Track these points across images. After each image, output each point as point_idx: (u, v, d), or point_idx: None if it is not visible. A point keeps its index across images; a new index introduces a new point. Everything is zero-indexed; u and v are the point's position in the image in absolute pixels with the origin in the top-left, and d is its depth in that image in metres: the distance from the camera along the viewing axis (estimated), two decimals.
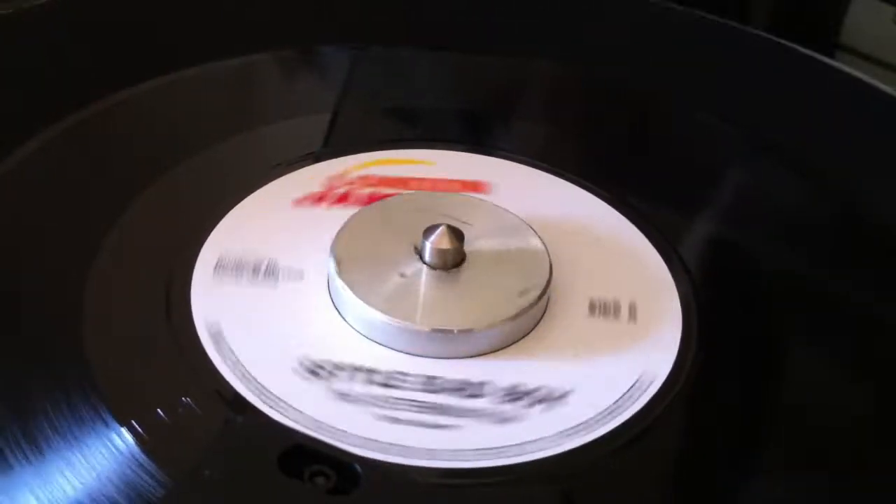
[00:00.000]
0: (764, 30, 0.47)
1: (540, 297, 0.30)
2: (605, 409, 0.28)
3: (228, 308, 0.30)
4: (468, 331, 0.29)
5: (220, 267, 0.31)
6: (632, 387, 0.29)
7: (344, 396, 0.28)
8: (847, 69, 0.43)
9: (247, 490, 0.23)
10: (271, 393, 0.27)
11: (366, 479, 0.24)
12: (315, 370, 0.28)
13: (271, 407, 0.27)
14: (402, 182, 0.35)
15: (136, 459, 0.25)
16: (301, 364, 0.29)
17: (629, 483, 0.27)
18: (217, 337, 0.29)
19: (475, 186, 0.35)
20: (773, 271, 0.34)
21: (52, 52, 0.40)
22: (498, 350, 0.30)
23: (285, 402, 0.27)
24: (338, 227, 0.32)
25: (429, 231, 0.30)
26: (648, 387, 0.29)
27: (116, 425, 0.26)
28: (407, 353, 0.29)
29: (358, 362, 0.29)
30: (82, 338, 0.28)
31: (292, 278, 0.31)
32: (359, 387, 0.28)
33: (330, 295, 0.31)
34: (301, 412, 0.27)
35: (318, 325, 0.30)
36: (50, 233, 0.32)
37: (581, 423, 0.28)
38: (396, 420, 0.27)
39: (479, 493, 0.26)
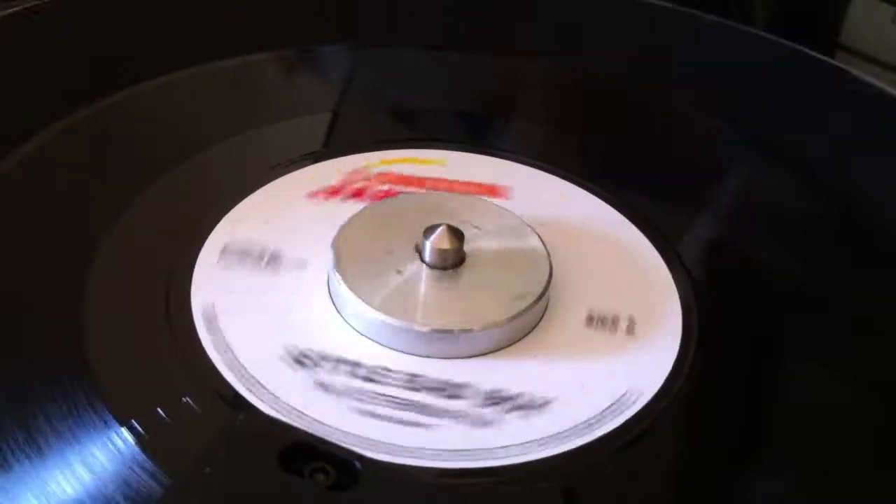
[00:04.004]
0: (764, 30, 0.47)
1: (539, 298, 0.30)
2: (584, 422, 0.28)
3: (226, 291, 0.30)
4: (468, 331, 0.29)
5: (225, 252, 0.32)
6: (617, 400, 0.28)
7: (325, 387, 0.28)
8: (848, 68, 0.43)
9: (247, 488, 0.23)
10: (255, 379, 0.28)
11: (365, 477, 0.24)
12: (301, 359, 0.29)
13: (252, 392, 0.27)
14: (419, 181, 0.35)
15: (136, 459, 0.25)
16: (288, 352, 0.29)
17: (629, 483, 0.27)
18: (210, 319, 0.29)
19: (490, 190, 0.35)
20: (772, 271, 0.34)
21: (52, 51, 0.40)
22: (497, 350, 0.30)
23: (267, 390, 0.27)
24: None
25: (429, 231, 0.30)
26: (635, 401, 0.28)
27: (116, 425, 0.26)
28: (398, 351, 0.29)
29: (344, 355, 0.29)
30: (82, 338, 0.28)
31: (295, 268, 0.32)
32: (341, 379, 0.28)
33: (329, 292, 0.31)
34: (280, 399, 0.27)
35: (312, 315, 0.30)
36: (50, 233, 0.32)
37: (554, 434, 0.27)
38: (373, 415, 0.27)
39: (478, 492, 0.26)
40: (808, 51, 0.44)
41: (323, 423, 0.27)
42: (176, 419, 0.26)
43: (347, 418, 0.27)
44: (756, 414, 0.29)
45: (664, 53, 0.44)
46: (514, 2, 0.47)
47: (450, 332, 0.29)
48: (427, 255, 0.30)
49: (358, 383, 0.28)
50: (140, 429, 0.26)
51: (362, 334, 0.30)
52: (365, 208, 0.33)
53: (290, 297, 0.31)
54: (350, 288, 0.30)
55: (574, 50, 0.44)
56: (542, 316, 0.31)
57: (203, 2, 0.44)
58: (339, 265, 0.30)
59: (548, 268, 0.31)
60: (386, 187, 0.35)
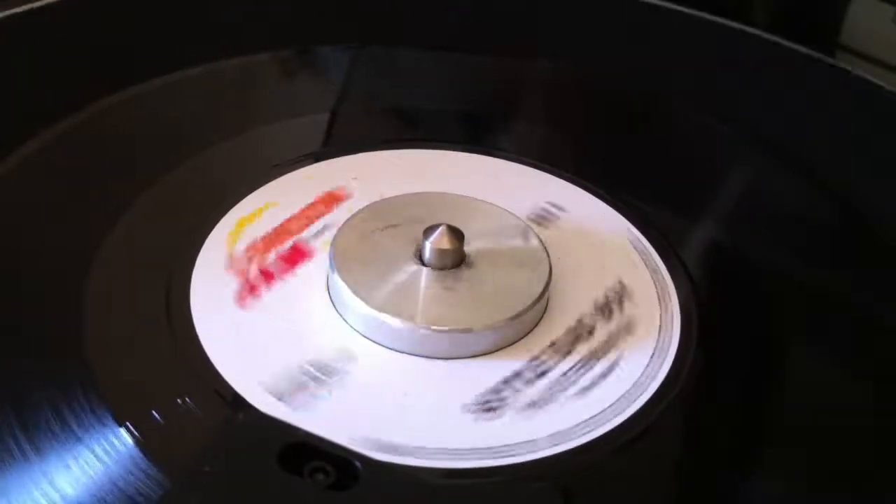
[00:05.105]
0: (764, 30, 0.47)
1: (540, 296, 0.30)
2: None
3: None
4: (468, 331, 0.29)
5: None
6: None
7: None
8: (848, 68, 0.43)
9: (247, 488, 0.23)
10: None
11: (365, 476, 0.24)
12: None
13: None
14: (283, 232, 0.33)
15: (136, 459, 0.25)
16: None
17: (629, 483, 0.27)
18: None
19: (334, 198, 0.34)
20: (772, 271, 0.34)
21: (52, 52, 0.40)
22: (497, 350, 0.30)
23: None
24: (295, 301, 0.31)
25: (429, 231, 0.30)
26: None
27: (116, 425, 0.26)
28: (398, 352, 0.29)
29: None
30: (82, 338, 0.28)
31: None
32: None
33: (328, 292, 0.31)
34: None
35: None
36: (50, 233, 0.32)
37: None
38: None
39: (479, 491, 0.26)
40: (808, 51, 0.44)
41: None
42: (175, 419, 0.26)
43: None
44: (756, 414, 0.29)
45: (664, 53, 0.44)
46: (514, 2, 0.47)
47: (450, 332, 0.29)
48: (427, 256, 0.30)
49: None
50: (140, 429, 0.26)
51: (362, 334, 0.30)
52: (364, 208, 0.33)
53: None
54: (349, 288, 0.30)
55: (574, 50, 0.44)
56: (542, 316, 0.31)
57: (203, 2, 0.44)
58: (338, 265, 0.30)
59: (548, 268, 0.31)
60: (272, 255, 0.32)
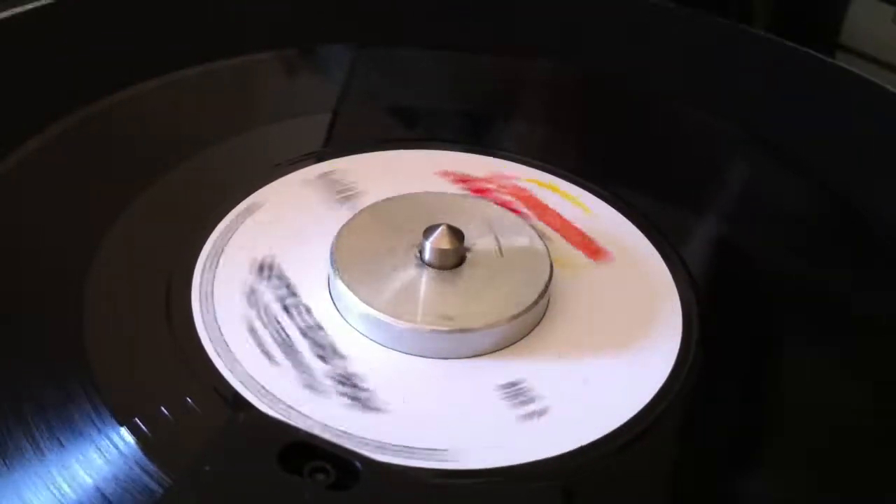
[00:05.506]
0: (764, 30, 0.47)
1: (539, 298, 0.30)
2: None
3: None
4: (468, 331, 0.29)
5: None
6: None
7: (251, 294, 0.30)
8: (848, 68, 0.43)
9: (247, 487, 0.23)
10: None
11: (365, 476, 0.24)
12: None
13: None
14: (542, 209, 0.35)
15: (136, 459, 0.25)
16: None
17: (629, 483, 0.27)
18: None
19: (595, 252, 0.34)
20: (772, 271, 0.34)
21: (52, 52, 0.40)
22: (497, 350, 0.30)
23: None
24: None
25: (429, 231, 0.30)
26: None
27: (116, 425, 0.26)
28: (398, 351, 0.29)
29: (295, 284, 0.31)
30: (82, 338, 0.28)
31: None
32: (269, 296, 0.30)
33: (329, 292, 0.31)
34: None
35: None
36: (50, 233, 0.32)
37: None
38: (252, 330, 0.29)
39: (479, 491, 0.26)
40: (808, 51, 0.44)
41: (216, 321, 0.29)
42: (176, 419, 0.26)
43: (234, 325, 0.29)
44: (756, 414, 0.29)
45: (664, 53, 0.44)
46: (514, 2, 0.47)
47: (450, 332, 0.29)
48: (427, 255, 0.30)
49: (275, 306, 0.30)
50: (140, 428, 0.26)
51: (362, 334, 0.30)
52: (365, 208, 0.33)
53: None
54: (350, 288, 0.30)
55: (574, 50, 0.44)
56: (543, 316, 0.31)
57: (203, 2, 0.44)
58: (339, 265, 0.30)
59: (548, 268, 0.31)
60: (510, 199, 0.35)
